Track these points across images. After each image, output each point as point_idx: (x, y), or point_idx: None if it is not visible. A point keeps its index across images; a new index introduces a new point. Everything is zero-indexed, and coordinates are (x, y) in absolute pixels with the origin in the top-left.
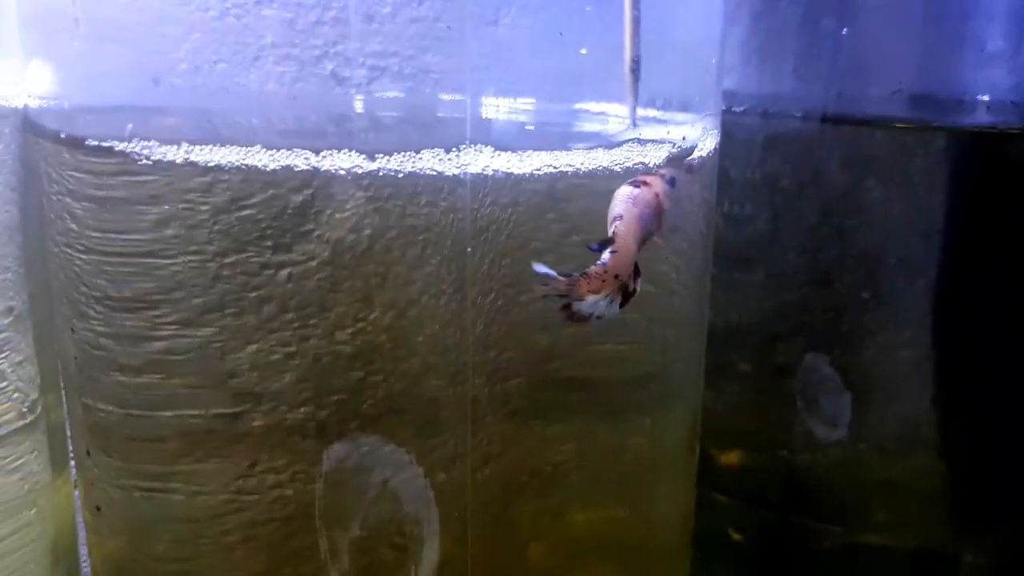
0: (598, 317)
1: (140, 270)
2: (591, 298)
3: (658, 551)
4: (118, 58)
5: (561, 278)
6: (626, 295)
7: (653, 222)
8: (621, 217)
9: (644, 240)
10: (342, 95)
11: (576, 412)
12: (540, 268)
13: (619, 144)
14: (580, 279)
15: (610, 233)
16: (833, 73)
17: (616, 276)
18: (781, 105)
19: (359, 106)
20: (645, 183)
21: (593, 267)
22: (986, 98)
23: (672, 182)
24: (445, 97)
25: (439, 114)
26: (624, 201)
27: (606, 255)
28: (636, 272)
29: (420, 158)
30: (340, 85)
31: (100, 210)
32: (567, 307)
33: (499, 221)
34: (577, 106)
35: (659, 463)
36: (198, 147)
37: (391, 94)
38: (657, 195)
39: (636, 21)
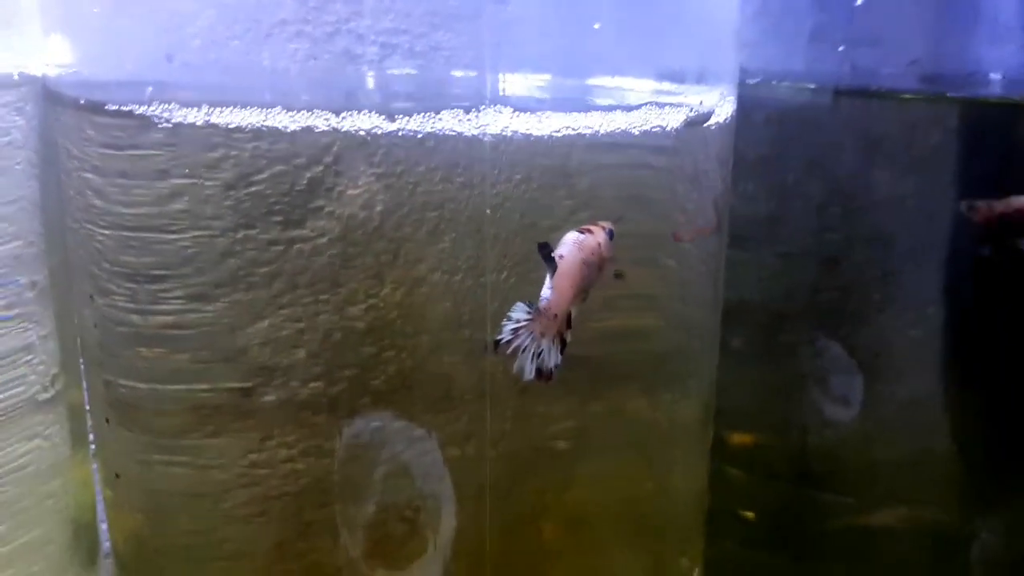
0: (556, 367)
1: (158, 243)
2: (544, 343)
3: (673, 525)
4: (134, 33)
5: (526, 317)
6: (563, 342)
7: (594, 271)
8: (563, 257)
9: (582, 289)
10: (355, 72)
11: (593, 387)
12: (513, 312)
13: (637, 107)
14: (536, 316)
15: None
16: (847, 46)
17: (555, 316)
18: (794, 78)
19: (371, 83)
20: (590, 231)
21: (540, 302)
22: (999, 73)
23: (611, 235)
24: (457, 74)
25: (452, 90)
26: (570, 244)
27: (547, 291)
28: (568, 322)
29: (440, 119)
30: (352, 62)
31: (119, 182)
32: (540, 371)
33: (515, 195)
34: (591, 81)
35: (675, 438)
36: (218, 109)
37: (404, 71)
38: (599, 244)
39: None
